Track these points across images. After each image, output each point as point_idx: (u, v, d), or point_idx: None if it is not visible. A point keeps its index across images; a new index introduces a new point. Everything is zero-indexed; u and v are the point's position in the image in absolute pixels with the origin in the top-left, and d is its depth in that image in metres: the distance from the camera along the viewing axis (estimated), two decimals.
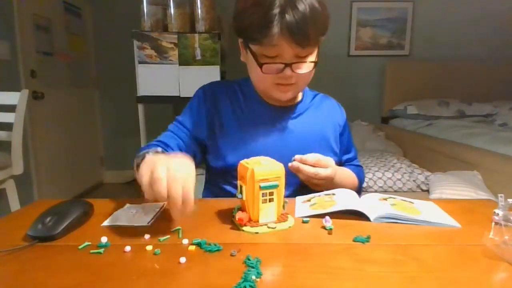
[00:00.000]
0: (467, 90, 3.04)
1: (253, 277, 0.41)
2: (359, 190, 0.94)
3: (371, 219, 0.60)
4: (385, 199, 0.67)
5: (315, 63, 0.75)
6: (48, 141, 2.54)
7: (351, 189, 0.84)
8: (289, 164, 0.71)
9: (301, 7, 0.66)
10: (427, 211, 0.62)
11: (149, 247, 0.50)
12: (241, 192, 0.58)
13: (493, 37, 3.17)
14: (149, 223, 0.59)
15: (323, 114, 0.90)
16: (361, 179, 0.94)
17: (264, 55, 0.72)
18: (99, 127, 3.34)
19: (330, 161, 0.75)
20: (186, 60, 2.06)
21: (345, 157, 0.96)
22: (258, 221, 0.57)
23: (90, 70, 3.18)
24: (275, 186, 0.56)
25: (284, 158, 0.64)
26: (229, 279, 0.41)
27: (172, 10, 2.04)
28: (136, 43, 2.04)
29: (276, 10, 0.65)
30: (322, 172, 0.72)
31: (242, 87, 0.88)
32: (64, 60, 2.75)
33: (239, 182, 0.59)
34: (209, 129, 0.84)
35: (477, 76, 3.08)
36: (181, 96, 2.07)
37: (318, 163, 0.73)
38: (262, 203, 0.56)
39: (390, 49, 3.22)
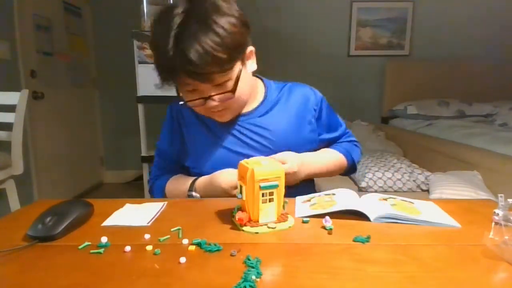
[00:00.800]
0: (467, 90, 3.04)
1: (253, 277, 0.41)
2: (351, 168, 0.95)
3: (371, 219, 0.60)
4: (385, 199, 0.67)
5: (233, 90, 0.73)
6: (48, 141, 2.54)
7: (337, 170, 0.89)
8: None
9: (192, 53, 0.64)
10: (427, 211, 0.62)
11: (149, 247, 0.50)
12: (241, 192, 0.58)
13: (493, 37, 3.17)
14: (149, 223, 0.59)
15: (293, 104, 0.88)
16: (350, 156, 0.92)
17: (184, 90, 0.74)
18: (99, 127, 3.34)
19: (286, 156, 0.76)
20: None
21: (331, 135, 0.94)
22: (258, 221, 0.57)
23: (90, 70, 3.18)
24: (275, 186, 0.56)
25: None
26: (229, 279, 0.41)
27: None
28: (136, 43, 2.03)
29: (169, 54, 0.66)
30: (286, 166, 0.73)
31: None
32: (64, 60, 2.75)
33: (239, 182, 0.59)
34: (183, 146, 0.88)
35: (477, 76, 3.08)
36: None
37: (282, 159, 0.74)
38: (262, 203, 0.56)
39: (390, 49, 3.21)
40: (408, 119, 2.85)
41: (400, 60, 3.22)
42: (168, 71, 0.70)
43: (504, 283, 0.42)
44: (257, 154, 0.79)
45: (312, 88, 0.93)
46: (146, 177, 2.21)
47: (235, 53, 0.70)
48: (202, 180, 0.81)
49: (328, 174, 0.90)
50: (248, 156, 0.68)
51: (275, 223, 0.57)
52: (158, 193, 0.89)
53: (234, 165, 0.64)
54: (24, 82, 2.27)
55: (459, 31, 3.17)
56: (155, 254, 0.48)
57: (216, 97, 0.73)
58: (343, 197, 0.68)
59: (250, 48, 0.77)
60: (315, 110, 0.90)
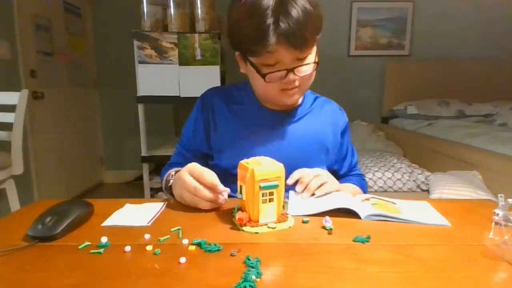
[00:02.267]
0: (467, 90, 3.04)
1: (253, 277, 0.41)
2: None
3: (362, 217, 0.61)
4: (367, 199, 0.69)
5: (317, 63, 0.74)
6: (48, 141, 2.54)
7: None
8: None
9: (294, 12, 0.65)
10: (409, 210, 0.63)
11: (149, 247, 0.50)
12: (241, 192, 0.58)
13: (493, 37, 3.17)
14: (149, 223, 0.59)
15: (323, 118, 0.89)
16: (363, 188, 0.94)
17: (264, 64, 0.71)
18: (99, 127, 3.34)
19: (326, 174, 0.76)
20: (186, 60, 2.06)
21: (346, 163, 0.95)
22: (258, 221, 0.57)
23: (90, 70, 3.18)
24: (275, 186, 0.56)
25: (280, 162, 0.63)
26: (229, 279, 0.41)
27: (172, 10, 2.04)
28: (136, 43, 2.04)
29: (269, 20, 0.65)
30: (313, 174, 0.72)
31: (240, 92, 0.89)
32: (64, 60, 2.75)
33: (239, 182, 0.59)
34: (206, 137, 0.87)
35: (477, 76, 3.08)
36: (181, 96, 2.07)
37: (302, 177, 0.73)
38: (262, 203, 0.56)
39: (390, 49, 3.22)
40: (408, 119, 2.85)
41: (400, 60, 3.22)
42: (264, 38, 0.65)
43: (504, 283, 0.42)
44: (277, 157, 0.71)
45: (341, 108, 0.95)
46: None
47: (321, 25, 0.71)
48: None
49: None
50: (275, 159, 0.66)
51: (275, 223, 0.57)
52: (162, 180, 0.88)
53: None
54: (24, 82, 2.27)
55: (459, 31, 3.17)
56: (155, 254, 0.48)
57: (299, 69, 0.71)
58: (336, 196, 0.69)
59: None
60: (339, 129, 0.91)
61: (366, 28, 3.19)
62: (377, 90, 3.27)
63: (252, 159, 0.61)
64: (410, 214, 0.61)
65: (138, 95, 2.09)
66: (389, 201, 0.68)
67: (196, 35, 2.04)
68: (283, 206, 0.60)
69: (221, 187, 0.64)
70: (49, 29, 2.56)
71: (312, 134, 0.85)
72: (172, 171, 0.78)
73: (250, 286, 0.39)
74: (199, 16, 2.05)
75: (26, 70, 2.30)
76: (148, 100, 2.11)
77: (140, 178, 2.87)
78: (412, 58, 3.23)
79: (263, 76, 0.71)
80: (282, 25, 0.64)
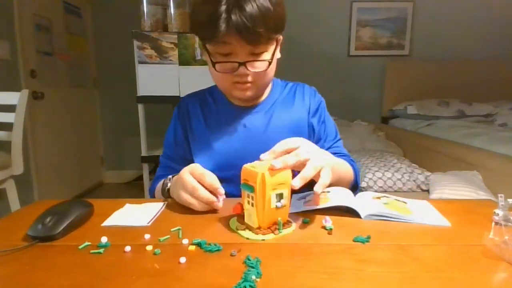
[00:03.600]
0: (467, 90, 3.04)
1: (253, 277, 0.41)
2: (355, 185, 0.85)
3: (362, 216, 0.60)
4: (379, 197, 0.68)
5: (270, 61, 0.73)
6: (48, 141, 2.54)
7: (347, 180, 0.81)
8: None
9: (248, 7, 0.65)
10: (418, 211, 0.63)
11: (149, 247, 0.50)
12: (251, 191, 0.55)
13: (493, 37, 3.17)
14: (149, 223, 0.59)
15: (295, 104, 0.87)
16: (355, 170, 0.85)
17: (218, 53, 0.72)
18: (99, 127, 3.34)
19: (297, 139, 0.62)
20: (186, 60, 2.06)
21: (325, 143, 0.89)
22: (265, 228, 0.55)
23: (90, 70, 3.18)
24: (251, 190, 0.53)
25: (254, 157, 0.60)
26: (229, 279, 0.41)
27: (172, 10, 2.04)
28: (136, 43, 2.04)
29: (222, 8, 0.65)
30: (301, 152, 0.58)
31: (212, 93, 0.90)
32: (64, 60, 2.75)
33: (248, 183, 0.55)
34: (187, 142, 0.88)
35: (477, 76, 3.08)
36: (181, 96, 2.06)
37: (288, 149, 0.59)
38: (247, 204, 0.55)
39: (390, 49, 3.22)
40: (408, 119, 2.85)
41: (400, 60, 3.22)
42: (214, 25, 0.66)
43: (504, 283, 0.42)
44: (251, 152, 0.68)
45: (313, 88, 0.92)
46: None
47: (280, 25, 0.71)
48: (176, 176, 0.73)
49: (342, 180, 0.78)
50: (247, 155, 0.64)
51: (256, 230, 0.55)
52: (151, 193, 0.90)
53: (236, 165, 0.62)
54: (24, 82, 2.27)
55: (459, 31, 3.17)
56: (155, 254, 0.48)
57: (252, 64, 0.72)
58: (337, 195, 0.68)
59: (281, 36, 0.78)
60: (312, 110, 0.88)
61: (366, 28, 3.19)
62: (377, 90, 3.27)
63: (257, 162, 0.57)
64: (419, 215, 0.60)
65: (138, 95, 2.10)
66: (400, 201, 0.68)
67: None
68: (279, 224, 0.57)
69: (221, 190, 0.63)
70: (49, 29, 2.56)
71: (285, 124, 0.85)
72: (169, 176, 0.76)
73: (250, 286, 0.39)
74: None
75: (26, 70, 2.30)
76: (148, 100, 2.11)
77: (140, 178, 2.87)
78: (412, 58, 3.23)
79: (213, 64, 0.72)
80: (233, 17, 0.65)
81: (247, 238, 0.53)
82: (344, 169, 0.80)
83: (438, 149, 2.18)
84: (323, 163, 0.59)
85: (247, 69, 0.72)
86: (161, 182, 0.79)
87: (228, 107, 0.87)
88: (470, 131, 2.12)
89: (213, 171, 0.82)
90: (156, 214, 0.63)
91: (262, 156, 0.58)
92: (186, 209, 0.66)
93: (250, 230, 0.55)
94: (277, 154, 0.58)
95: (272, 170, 0.53)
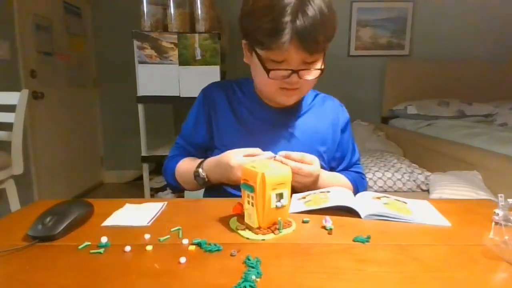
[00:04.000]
0: (467, 90, 3.04)
1: (253, 277, 0.41)
2: None
3: (362, 216, 0.60)
4: (379, 197, 0.68)
5: (322, 70, 0.74)
6: (48, 141, 2.54)
7: None
8: (273, 158, 0.71)
9: (311, 12, 0.64)
10: (418, 211, 0.63)
11: (149, 247, 0.50)
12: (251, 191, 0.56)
13: (493, 37, 3.17)
14: (149, 223, 0.59)
15: (323, 115, 0.89)
16: (357, 185, 0.89)
17: (271, 59, 0.71)
18: (99, 127, 3.34)
19: (315, 159, 0.74)
20: (186, 60, 2.06)
21: (344, 162, 0.93)
22: (265, 228, 0.55)
23: (90, 70, 3.18)
24: (251, 190, 0.54)
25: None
26: (229, 279, 0.41)
27: (172, 10, 2.04)
28: (136, 43, 2.04)
29: (287, 18, 0.64)
30: (305, 167, 0.71)
31: (241, 87, 0.89)
32: (64, 60, 2.75)
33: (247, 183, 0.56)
34: (209, 131, 0.87)
35: (477, 76, 3.08)
36: (181, 96, 2.07)
37: (302, 160, 0.72)
38: (247, 204, 0.55)
39: (390, 49, 3.22)
40: (408, 119, 2.85)
41: (400, 60, 3.22)
42: (279, 36, 0.65)
43: (504, 283, 0.42)
44: (277, 150, 0.76)
45: (342, 105, 0.95)
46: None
47: (333, 33, 0.71)
48: (210, 160, 0.80)
49: None
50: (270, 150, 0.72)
51: (256, 230, 0.55)
52: (168, 173, 0.89)
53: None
54: (24, 82, 2.27)
55: (459, 31, 3.17)
56: (155, 254, 0.48)
57: (303, 73, 0.71)
58: (337, 195, 0.68)
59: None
60: (339, 126, 0.90)
61: (366, 28, 3.19)
62: (377, 90, 3.27)
63: (257, 162, 0.57)
64: (419, 216, 0.60)
65: (138, 95, 2.09)
66: (399, 201, 0.68)
67: (196, 35, 2.04)
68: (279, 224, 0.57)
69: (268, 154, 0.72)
70: (49, 29, 2.56)
71: (312, 131, 0.86)
72: (200, 167, 0.80)
73: (250, 286, 0.39)
74: (199, 16, 2.05)
75: (26, 70, 2.29)
76: (148, 100, 2.10)
77: (140, 178, 2.87)
78: (412, 58, 3.23)
79: (268, 71, 0.70)
80: (299, 22, 0.64)
81: (247, 238, 0.53)
82: (338, 179, 0.86)
83: (438, 149, 2.18)
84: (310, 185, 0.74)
85: (299, 77, 0.72)
86: (185, 168, 0.84)
87: (259, 103, 0.86)
88: (470, 131, 2.12)
89: None
90: (156, 214, 0.63)
91: (281, 152, 0.71)
92: (186, 209, 0.66)
93: (250, 230, 0.55)
94: (292, 159, 0.70)
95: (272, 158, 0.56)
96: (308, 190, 0.74)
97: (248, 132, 0.84)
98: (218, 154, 0.84)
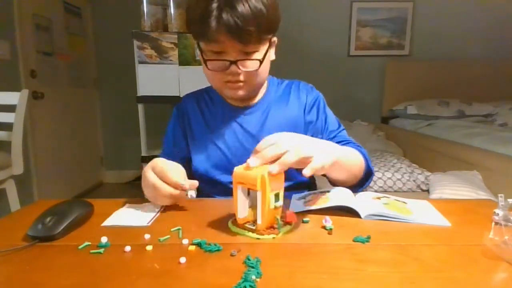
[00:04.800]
0: (467, 90, 3.04)
1: (253, 277, 0.41)
2: (368, 172, 0.79)
3: (362, 216, 0.60)
4: (379, 198, 0.68)
5: (261, 61, 0.73)
6: (48, 141, 2.54)
7: (357, 168, 0.75)
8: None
9: (240, 7, 0.66)
10: (418, 211, 0.63)
11: (149, 247, 0.50)
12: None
13: (493, 37, 3.17)
14: (149, 223, 0.59)
15: (289, 101, 0.87)
16: (365, 156, 0.79)
17: (210, 50, 0.73)
18: (99, 127, 3.34)
19: (277, 135, 0.59)
20: (186, 60, 2.06)
21: (330, 135, 0.87)
22: (265, 228, 0.55)
23: (90, 70, 3.18)
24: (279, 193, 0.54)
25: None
26: (229, 279, 0.41)
27: (172, 10, 2.04)
28: (136, 43, 2.04)
29: (213, 5, 0.67)
30: (281, 145, 0.54)
31: (209, 93, 0.91)
32: (64, 60, 2.75)
33: (241, 187, 0.55)
34: (186, 141, 0.89)
35: (477, 76, 3.08)
36: (181, 96, 2.06)
37: (260, 150, 0.56)
38: (249, 207, 0.56)
39: (390, 49, 3.22)
40: (408, 119, 2.85)
41: (400, 60, 3.22)
42: (205, 23, 0.68)
43: (504, 283, 0.42)
44: (248, 152, 0.64)
45: (310, 85, 0.92)
46: None
47: (273, 26, 0.73)
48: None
49: (352, 170, 0.74)
50: (244, 155, 0.61)
51: (277, 229, 0.55)
52: None
53: (233, 165, 0.60)
54: (24, 82, 2.27)
55: (459, 31, 3.17)
56: (155, 254, 0.48)
57: (243, 63, 0.72)
58: (337, 195, 0.68)
59: (275, 38, 0.79)
60: (308, 105, 0.87)
61: (366, 28, 3.19)
62: (377, 90, 3.27)
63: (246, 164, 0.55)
64: (419, 216, 0.60)
65: (138, 95, 2.10)
66: (399, 201, 0.68)
67: None
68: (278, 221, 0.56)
69: (185, 183, 0.61)
70: (49, 29, 2.56)
71: (281, 122, 0.85)
72: None
73: (250, 286, 0.39)
74: None
75: (26, 70, 2.30)
76: (148, 100, 2.11)
77: (140, 178, 2.87)
78: (412, 58, 3.23)
79: (205, 61, 0.73)
80: (224, 15, 0.66)
81: (257, 239, 0.53)
82: (353, 158, 0.75)
83: (438, 149, 2.18)
84: (310, 152, 0.56)
85: (238, 68, 0.72)
86: None
87: (225, 107, 0.87)
88: (470, 131, 2.12)
89: (210, 171, 0.84)
90: (156, 214, 0.63)
91: (249, 161, 0.53)
92: (186, 209, 0.66)
93: (249, 231, 0.55)
94: (266, 158, 0.54)
95: (272, 175, 0.52)
96: (322, 158, 0.58)
97: (217, 136, 0.85)
98: (195, 163, 0.86)
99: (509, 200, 0.50)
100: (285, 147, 0.54)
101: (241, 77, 0.74)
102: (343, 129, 0.90)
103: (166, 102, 2.15)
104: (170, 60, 2.06)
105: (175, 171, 0.63)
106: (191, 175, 0.88)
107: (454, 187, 1.60)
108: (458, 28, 3.17)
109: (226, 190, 0.82)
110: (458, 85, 3.07)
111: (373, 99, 3.29)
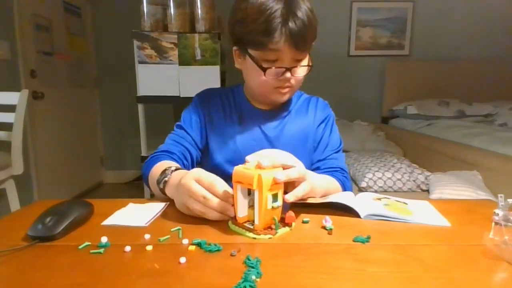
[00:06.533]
0: (467, 90, 3.04)
1: (253, 277, 0.41)
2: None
3: (361, 216, 0.61)
4: (379, 199, 0.68)
5: (311, 66, 0.79)
6: (48, 141, 2.54)
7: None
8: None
9: (300, 14, 0.71)
10: (419, 211, 0.63)
11: (149, 247, 0.50)
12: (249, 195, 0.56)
13: (493, 37, 3.17)
14: (147, 224, 0.59)
15: (306, 115, 0.92)
16: (347, 187, 0.84)
17: (265, 59, 0.75)
18: (99, 127, 3.34)
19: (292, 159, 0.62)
20: (186, 60, 2.06)
21: (320, 149, 0.89)
22: (262, 229, 0.55)
23: (90, 70, 3.18)
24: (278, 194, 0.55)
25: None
26: (229, 279, 0.41)
27: (172, 10, 2.04)
28: (136, 43, 2.04)
29: (278, 19, 0.70)
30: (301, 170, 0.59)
31: (234, 93, 0.93)
32: (64, 60, 2.75)
33: (241, 186, 0.55)
34: (203, 131, 0.90)
35: (477, 76, 3.08)
36: (181, 96, 2.07)
37: (286, 165, 0.59)
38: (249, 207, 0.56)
39: (390, 49, 3.22)
40: (408, 119, 2.85)
41: (400, 60, 3.22)
42: (271, 35, 0.70)
43: (504, 283, 0.42)
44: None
45: (325, 102, 0.96)
46: None
47: (316, 32, 0.77)
48: (177, 175, 0.66)
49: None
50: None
51: (274, 230, 0.55)
52: (146, 168, 0.80)
53: (241, 158, 0.61)
54: (24, 82, 2.27)
55: (459, 31, 3.17)
56: (155, 254, 0.48)
57: (295, 70, 0.76)
58: (336, 194, 0.69)
59: None
60: (318, 121, 0.91)
61: (366, 28, 3.19)
62: (377, 90, 3.27)
63: (248, 164, 0.56)
64: (419, 216, 0.60)
65: (138, 95, 2.10)
66: (400, 201, 0.68)
67: (196, 35, 2.04)
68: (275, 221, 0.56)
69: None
70: (49, 29, 2.56)
71: (295, 132, 0.89)
72: (171, 166, 0.70)
73: (250, 286, 0.39)
74: (199, 16, 2.05)
75: (26, 70, 2.30)
76: (148, 100, 2.11)
77: (140, 178, 2.87)
78: (412, 58, 3.23)
79: (264, 69, 0.75)
80: (291, 24, 0.70)
81: (254, 238, 0.53)
82: (330, 181, 0.80)
83: (438, 149, 2.18)
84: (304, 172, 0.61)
85: (292, 74, 0.76)
86: (161, 167, 0.71)
87: (248, 107, 0.90)
88: (470, 131, 2.12)
89: (222, 164, 0.86)
90: (156, 215, 0.63)
91: (248, 158, 0.57)
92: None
93: (247, 230, 0.55)
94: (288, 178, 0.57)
95: (277, 183, 0.54)
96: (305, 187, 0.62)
97: (238, 134, 0.88)
98: (210, 155, 0.88)
99: (509, 200, 0.50)
100: (293, 161, 0.60)
101: (292, 82, 0.78)
102: (341, 152, 0.92)
103: (166, 102, 2.15)
104: (170, 60, 2.06)
105: (223, 184, 0.58)
106: (197, 164, 0.91)
107: (454, 187, 1.60)
108: (458, 28, 3.17)
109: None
110: (458, 85, 3.07)
111: (373, 99, 3.29)
